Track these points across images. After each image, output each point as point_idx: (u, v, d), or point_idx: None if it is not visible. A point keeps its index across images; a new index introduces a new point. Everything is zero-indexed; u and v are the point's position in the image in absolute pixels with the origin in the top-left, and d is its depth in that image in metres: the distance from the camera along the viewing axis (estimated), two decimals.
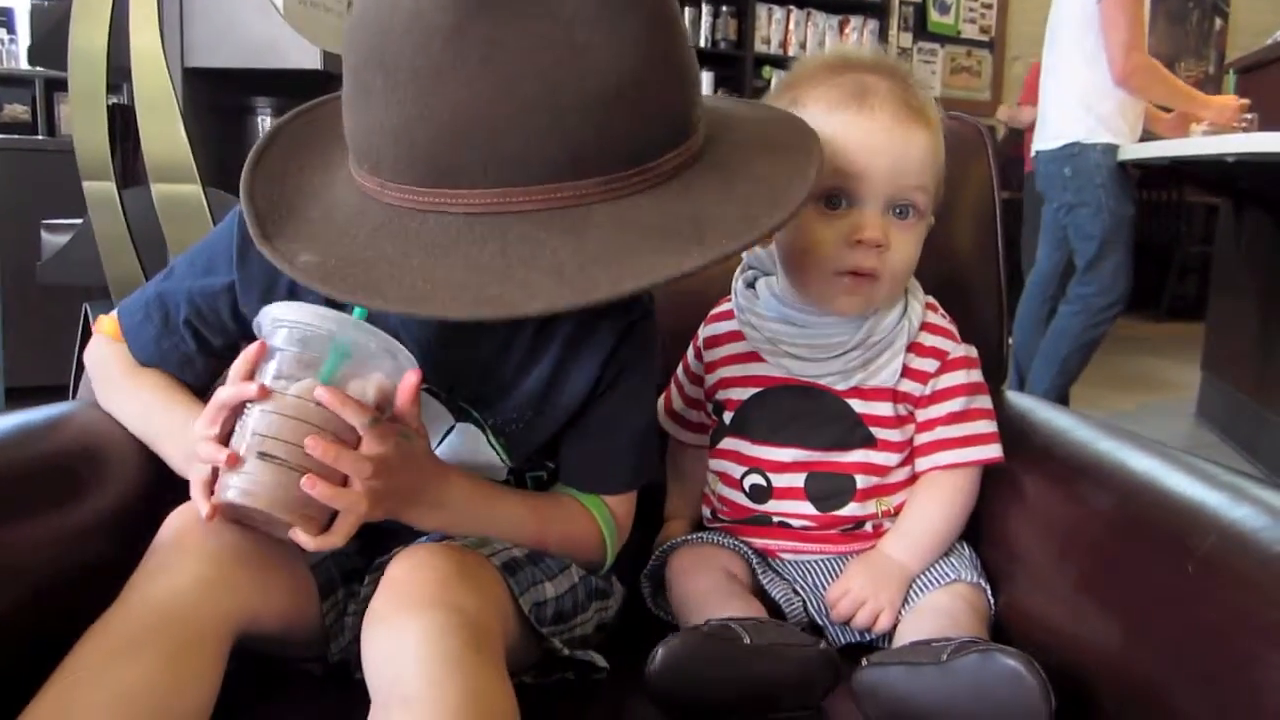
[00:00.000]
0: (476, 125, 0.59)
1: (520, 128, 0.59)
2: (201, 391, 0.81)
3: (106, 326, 0.84)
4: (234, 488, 0.63)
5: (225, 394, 0.64)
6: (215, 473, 0.65)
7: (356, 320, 0.64)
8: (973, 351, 0.88)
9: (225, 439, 0.64)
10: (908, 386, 0.86)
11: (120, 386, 0.82)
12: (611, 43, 0.59)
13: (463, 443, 0.78)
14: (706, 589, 0.82)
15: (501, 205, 0.60)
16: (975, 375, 0.87)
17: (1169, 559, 0.68)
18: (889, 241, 0.80)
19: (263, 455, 0.62)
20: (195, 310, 0.79)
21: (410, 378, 0.65)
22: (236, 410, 0.65)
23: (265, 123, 2.33)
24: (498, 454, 0.79)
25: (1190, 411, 3.47)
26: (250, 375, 0.65)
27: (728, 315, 0.92)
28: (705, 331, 0.95)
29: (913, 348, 0.86)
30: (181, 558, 0.67)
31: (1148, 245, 2.97)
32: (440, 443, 0.78)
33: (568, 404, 0.78)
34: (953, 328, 0.88)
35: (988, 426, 0.86)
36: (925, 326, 0.87)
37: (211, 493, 0.65)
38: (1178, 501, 0.71)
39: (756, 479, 0.88)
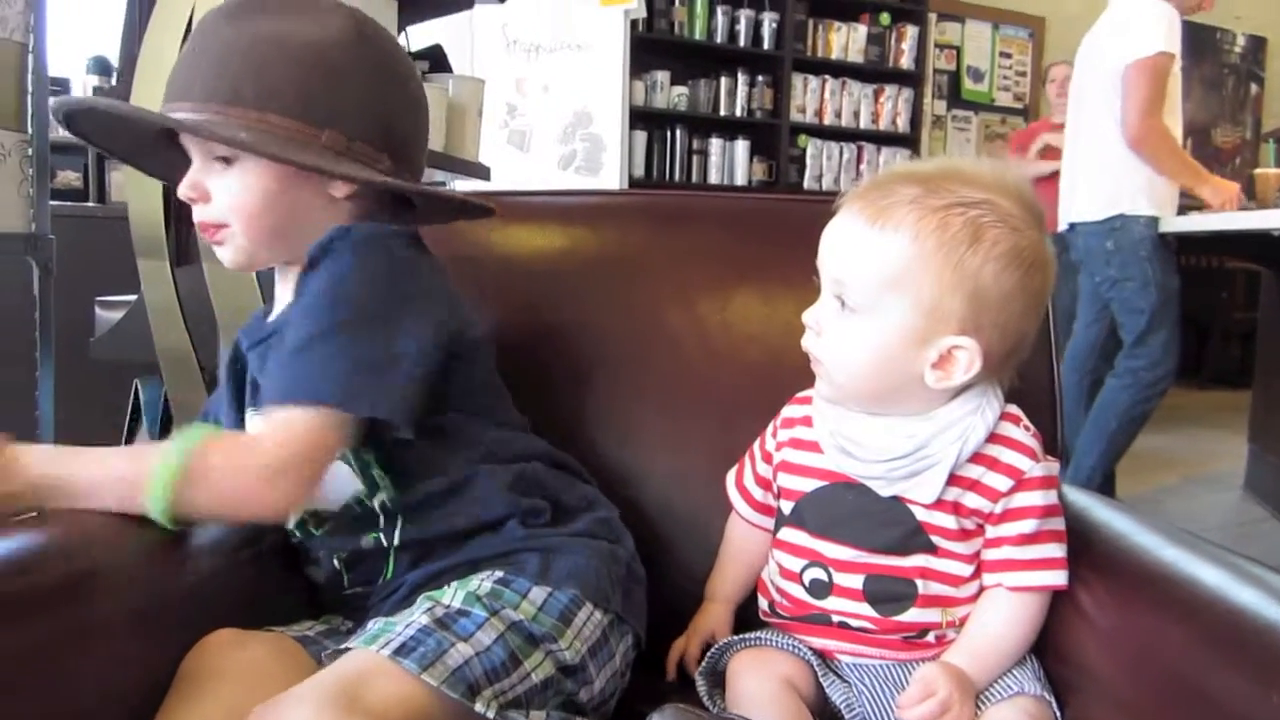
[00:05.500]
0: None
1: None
2: None
3: None
4: None
5: None
6: None
7: None
8: (1053, 468, 0.84)
9: None
10: (976, 503, 0.83)
11: None
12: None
13: None
14: (761, 698, 0.81)
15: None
16: (1051, 496, 0.83)
17: (1248, 684, 0.65)
18: (820, 327, 0.83)
19: None
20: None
21: None
22: None
23: None
24: None
25: (1238, 485, 3.40)
26: None
27: (809, 400, 0.91)
28: (785, 411, 0.93)
29: (986, 461, 0.82)
30: (207, 685, 0.72)
31: (1189, 312, 2.93)
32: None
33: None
34: (1034, 443, 0.83)
35: (1058, 551, 0.82)
36: (1002, 440, 0.83)
37: None
38: (1254, 622, 0.68)
39: (818, 573, 0.86)
